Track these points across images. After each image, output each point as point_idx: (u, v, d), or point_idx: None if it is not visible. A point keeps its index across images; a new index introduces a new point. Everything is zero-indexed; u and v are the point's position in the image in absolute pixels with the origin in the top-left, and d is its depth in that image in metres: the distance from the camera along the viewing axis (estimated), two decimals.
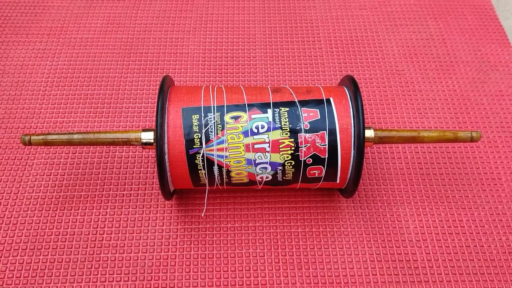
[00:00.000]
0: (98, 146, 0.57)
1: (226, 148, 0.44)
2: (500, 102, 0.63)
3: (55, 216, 0.52)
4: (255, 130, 0.44)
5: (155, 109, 0.60)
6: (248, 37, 0.69)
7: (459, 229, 0.52)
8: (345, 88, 0.49)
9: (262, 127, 0.44)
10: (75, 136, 0.47)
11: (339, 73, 0.65)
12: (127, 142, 0.47)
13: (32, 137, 0.47)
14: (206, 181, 0.47)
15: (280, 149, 0.44)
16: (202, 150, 0.44)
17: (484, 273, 0.49)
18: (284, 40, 0.68)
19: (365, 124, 0.60)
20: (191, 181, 0.47)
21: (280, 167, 0.45)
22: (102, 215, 0.52)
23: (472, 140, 0.48)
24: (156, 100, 0.61)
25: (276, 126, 0.44)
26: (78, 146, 0.57)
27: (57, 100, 0.61)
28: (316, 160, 0.45)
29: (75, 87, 0.62)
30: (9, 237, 0.50)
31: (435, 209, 0.53)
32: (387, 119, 0.60)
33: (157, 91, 0.61)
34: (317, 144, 0.44)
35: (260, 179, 0.47)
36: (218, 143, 0.44)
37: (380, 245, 0.51)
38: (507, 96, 0.63)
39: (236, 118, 0.45)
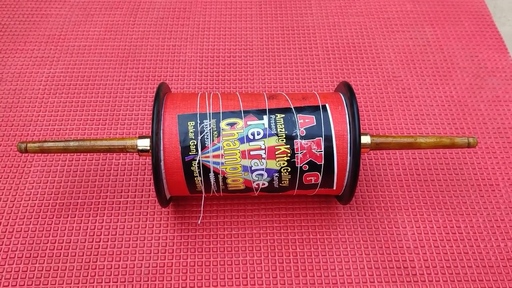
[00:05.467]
0: (94, 154, 0.57)
1: (222, 155, 0.44)
2: (498, 108, 0.63)
3: (51, 224, 0.51)
4: (251, 137, 0.44)
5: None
6: (245, 44, 0.69)
7: (457, 235, 0.52)
8: (341, 95, 0.49)
9: (258, 133, 0.44)
10: (71, 144, 0.47)
11: (336, 79, 0.65)
12: (123, 149, 0.47)
13: (29, 145, 0.47)
14: (202, 188, 0.46)
15: (276, 156, 0.44)
16: (198, 157, 0.44)
17: (483, 280, 0.49)
18: (281, 47, 0.69)
19: (362, 130, 0.60)
20: (187, 188, 0.47)
21: (276, 174, 0.45)
22: (99, 222, 0.52)
23: (469, 146, 0.48)
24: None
25: (272, 132, 0.44)
26: (75, 154, 0.57)
27: (54, 107, 0.61)
28: (313, 166, 0.45)
29: (72, 94, 0.62)
30: (5, 245, 0.50)
31: (433, 215, 0.53)
32: (384, 125, 0.60)
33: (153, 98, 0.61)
34: (313, 150, 0.44)
35: (257, 186, 0.47)
36: (214, 150, 0.44)
37: (378, 251, 0.51)
38: (504, 102, 0.63)
39: (232, 124, 0.45)
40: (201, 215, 0.52)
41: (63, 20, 0.71)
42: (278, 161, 0.44)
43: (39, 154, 0.56)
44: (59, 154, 0.56)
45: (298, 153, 0.44)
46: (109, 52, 0.67)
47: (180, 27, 0.71)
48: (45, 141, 0.47)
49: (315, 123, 0.45)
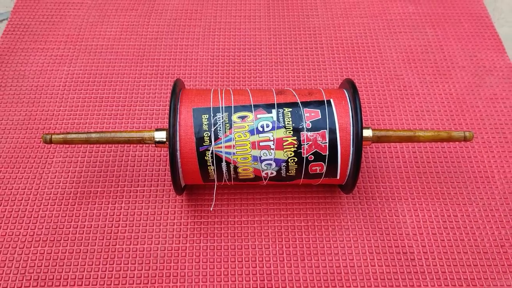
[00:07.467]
0: (113, 145, 0.60)
1: (233, 146, 0.48)
2: (495, 105, 0.66)
3: (73, 210, 0.55)
4: (261, 129, 0.48)
5: (166, 110, 0.64)
6: (254, 44, 0.72)
7: (454, 223, 0.55)
8: (345, 91, 0.52)
9: (267, 126, 0.48)
10: (93, 135, 0.51)
11: (340, 77, 0.68)
12: (141, 141, 0.50)
13: (53, 136, 0.50)
14: (215, 176, 0.50)
15: (284, 147, 0.48)
16: (211, 147, 0.48)
17: (477, 265, 0.52)
18: (288, 46, 0.72)
19: (364, 124, 0.63)
20: (201, 177, 0.50)
21: (284, 164, 0.49)
22: (117, 209, 0.55)
23: (465, 139, 0.51)
24: (168, 102, 0.65)
25: (280, 125, 0.48)
26: (95, 145, 0.60)
27: (74, 103, 0.65)
28: (318, 157, 0.48)
29: (91, 91, 0.66)
30: (31, 229, 0.54)
31: (431, 205, 0.56)
32: (386, 121, 0.64)
33: (168, 94, 0.65)
34: (318, 142, 0.48)
35: (265, 175, 0.50)
36: (226, 141, 0.48)
37: (379, 238, 0.54)
38: (501, 99, 0.66)
39: (243, 117, 0.48)
40: (213, 202, 0.56)
41: (82, 20, 0.74)
42: (286, 151, 0.48)
43: (61, 146, 0.60)
44: (79, 146, 0.60)
45: (304, 144, 0.48)
46: (125, 51, 0.71)
47: (192, 27, 0.74)
48: (68, 133, 0.51)
49: (320, 117, 0.48)
